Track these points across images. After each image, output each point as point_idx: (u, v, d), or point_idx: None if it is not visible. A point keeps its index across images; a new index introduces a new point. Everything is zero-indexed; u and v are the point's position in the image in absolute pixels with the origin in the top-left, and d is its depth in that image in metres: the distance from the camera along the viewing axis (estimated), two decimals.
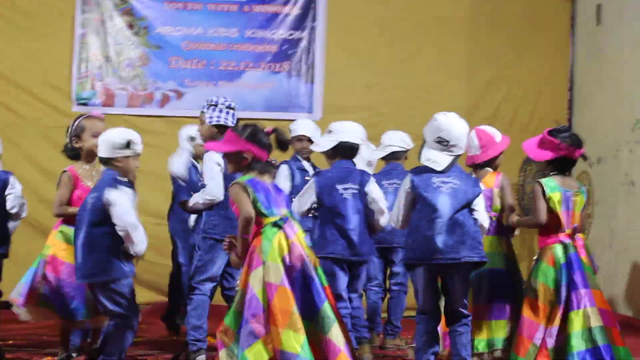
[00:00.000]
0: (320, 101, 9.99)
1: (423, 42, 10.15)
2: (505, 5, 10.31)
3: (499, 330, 5.60)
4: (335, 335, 4.73)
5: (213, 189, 5.69)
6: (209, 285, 5.84)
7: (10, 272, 6.21)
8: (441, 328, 5.35)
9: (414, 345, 5.44)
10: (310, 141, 7.14)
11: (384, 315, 7.19)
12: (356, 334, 5.72)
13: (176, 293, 7.37)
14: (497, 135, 5.91)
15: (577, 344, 5.23)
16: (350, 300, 5.73)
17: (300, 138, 7.26)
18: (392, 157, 7.17)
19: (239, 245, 4.85)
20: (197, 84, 9.91)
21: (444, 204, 5.05)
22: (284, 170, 7.09)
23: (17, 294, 5.67)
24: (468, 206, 5.13)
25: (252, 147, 4.99)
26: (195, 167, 7.10)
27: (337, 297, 5.35)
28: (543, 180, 5.52)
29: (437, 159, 5.13)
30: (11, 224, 6.08)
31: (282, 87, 10.01)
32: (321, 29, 10.09)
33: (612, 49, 9.42)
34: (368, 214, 5.75)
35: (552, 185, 5.47)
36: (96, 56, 9.92)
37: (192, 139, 7.24)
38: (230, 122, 5.92)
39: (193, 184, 6.83)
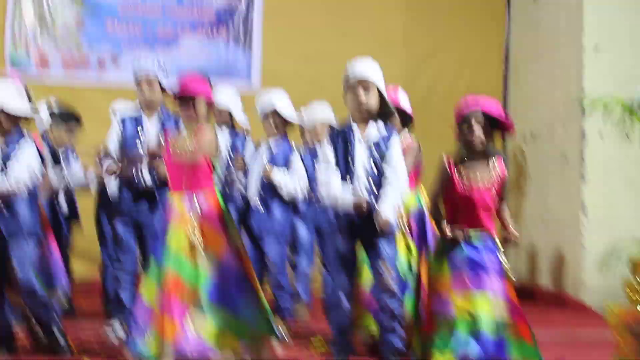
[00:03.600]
0: (259, 69, 9.93)
1: (361, 13, 10.16)
2: None
3: None
4: None
5: None
6: None
7: None
8: None
9: None
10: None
11: None
12: None
13: None
14: None
15: None
16: None
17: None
18: None
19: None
20: (133, 49, 9.76)
21: None
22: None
23: None
24: None
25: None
26: None
27: None
28: None
29: None
30: None
31: (219, 55, 9.93)
32: None
33: (547, 24, 9.51)
34: None
35: None
36: (30, 18, 9.70)
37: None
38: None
39: None
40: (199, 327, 4.88)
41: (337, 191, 4.91)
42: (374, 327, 5.34)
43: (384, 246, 4.93)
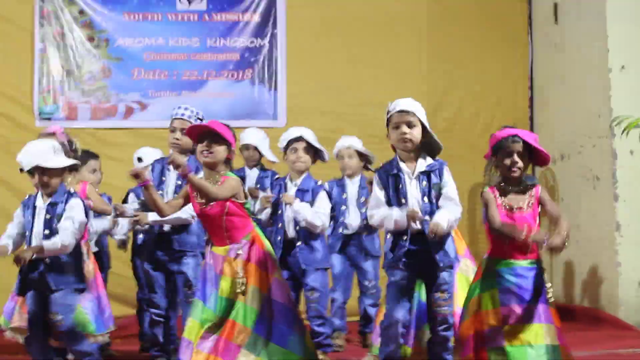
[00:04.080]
0: (284, 107, 10.02)
1: (381, 47, 10.20)
2: (461, 3, 10.41)
3: None
4: None
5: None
6: None
7: None
8: None
9: None
10: (256, 150, 7.28)
11: None
12: None
13: None
14: None
15: None
16: None
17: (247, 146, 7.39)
18: None
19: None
20: (161, 95, 9.90)
21: None
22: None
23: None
24: None
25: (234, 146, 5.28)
26: None
27: None
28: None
29: None
30: None
31: (245, 95, 10.02)
32: (282, 35, 10.12)
33: (570, 45, 9.53)
34: None
35: None
36: (57, 70, 9.87)
37: (139, 159, 7.32)
38: None
39: None
40: None
41: (392, 215, 4.99)
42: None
43: (443, 277, 4.99)
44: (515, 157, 4.85)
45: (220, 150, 5.17)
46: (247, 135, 7.50)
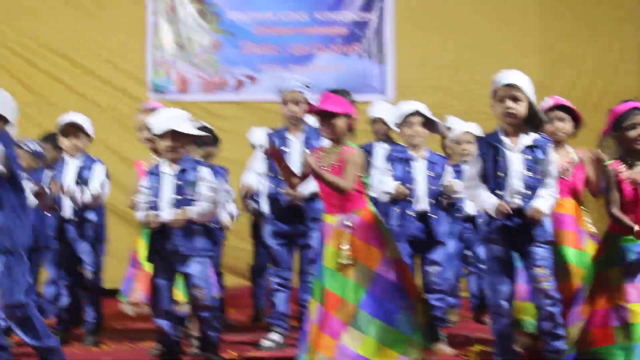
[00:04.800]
0: (393, 82, 9.98)
1: (495, 18, 10.07)
2: None
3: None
4: None
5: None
6: None
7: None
8: None
9: None
10: (384, 123, 7.20)
11: None
12: None
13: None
14: None
15: None
16: None
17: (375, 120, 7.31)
18: None
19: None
20: (270, 68, 9.96)
21: None
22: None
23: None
24: None
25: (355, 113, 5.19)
26: None
27: None
28: None
29: None
30: None
31: (353, 69, 10.02)
32: (390, 9, 10.07)
33: None
34: None
35: None
36: (169, 43, 10.03)
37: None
38: None
39: None
40: (357, 344, 4.91)
41: (483, 201, 4.95)
42: (531, 321, 5.32)
43: (540, 253, 4.93)
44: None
45: (339, 124, 5.15)
46: (375, 108, 7.45)
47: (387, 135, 7.21)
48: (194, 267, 5.34)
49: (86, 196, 6.36)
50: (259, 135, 6.72)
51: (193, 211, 5.28)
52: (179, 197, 5.34)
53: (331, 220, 5.11)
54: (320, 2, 10.09)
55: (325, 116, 5.13)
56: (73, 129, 6.44)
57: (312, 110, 5.27)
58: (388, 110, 7.28)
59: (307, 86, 6.17)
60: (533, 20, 10.10)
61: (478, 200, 5.01)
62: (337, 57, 10.05)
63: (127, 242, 7.17)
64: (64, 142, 6.47)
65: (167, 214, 5.30)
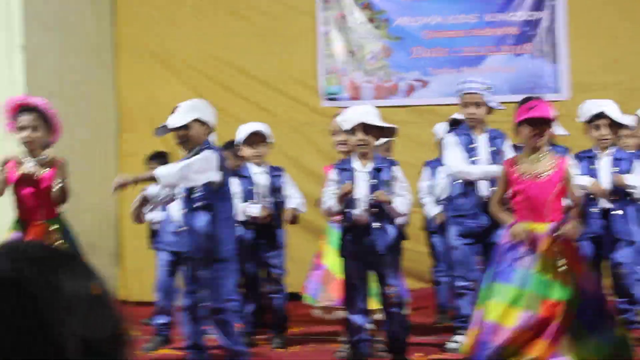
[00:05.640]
0: (567, 80, 9.80)
1: None
2: None
3: None
4: None
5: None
6: None
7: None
8: None
9: None
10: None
11: None
12: None
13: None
14: None
15: None
16: None
17: None
18: None
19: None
20: (441, 72, 9.97)
21: None
22: None
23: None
24: None
25: None
26: None
27: None
28: None
29: None
30: None
31: (525, 69, 9.89)
32: (561, 7, 9.89)
33: None
34: None
35: None
36: (340, 51, 10.18)
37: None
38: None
39: None
40: (568, 351, 4.89)
41: None
42: None
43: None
44: None
45: (547, 131, 5.17)
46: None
47: None
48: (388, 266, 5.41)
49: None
50: (441, 128, 6.81)
51: (404, 204, 5.37)
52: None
53: (540, 228, 5.07)
54: (489, 4, 10.02)
55: (542, 124, 5.12)
56: (256, 138, 6.65)
57: (530, 117, 5.20)
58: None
59: (488, 88, 6.17)
60: None
61: None
62: (509, 57, 9.95)
63: (306, 249, 7.36)
64: (248, 150, 6.67)
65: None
